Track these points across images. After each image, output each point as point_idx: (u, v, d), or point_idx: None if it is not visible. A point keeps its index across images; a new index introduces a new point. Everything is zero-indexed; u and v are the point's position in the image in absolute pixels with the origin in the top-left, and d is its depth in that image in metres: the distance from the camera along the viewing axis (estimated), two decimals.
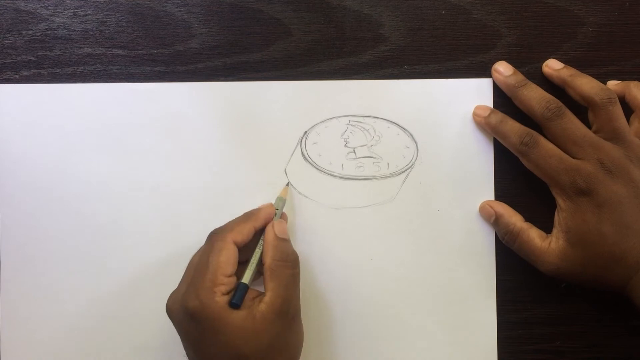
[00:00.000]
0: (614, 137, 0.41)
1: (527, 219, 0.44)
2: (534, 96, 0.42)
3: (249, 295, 0.38)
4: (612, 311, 0.45)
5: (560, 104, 0.41)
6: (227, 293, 0.37)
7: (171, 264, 0.45)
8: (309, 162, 0.45)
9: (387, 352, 0.45)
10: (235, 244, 0.39)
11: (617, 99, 0.41)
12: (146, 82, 0.45)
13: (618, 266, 0.40)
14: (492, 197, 0.45)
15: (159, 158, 0.45)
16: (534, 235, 0.43)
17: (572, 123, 0.41)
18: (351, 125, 0.45)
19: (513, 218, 0.44)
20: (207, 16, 0.45)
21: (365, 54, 0.45)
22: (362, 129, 0.45)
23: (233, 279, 0.38)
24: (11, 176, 0.45)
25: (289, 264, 0.40)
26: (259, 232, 0.41)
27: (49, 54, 0.45)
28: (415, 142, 0.45)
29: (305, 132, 0.45)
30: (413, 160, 0.45)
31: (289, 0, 0.45)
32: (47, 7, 0.45)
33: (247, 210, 0.42)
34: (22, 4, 0.45)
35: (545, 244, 0.42)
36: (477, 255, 0.45)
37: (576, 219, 0.40)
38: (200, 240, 0.45)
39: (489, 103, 0.45)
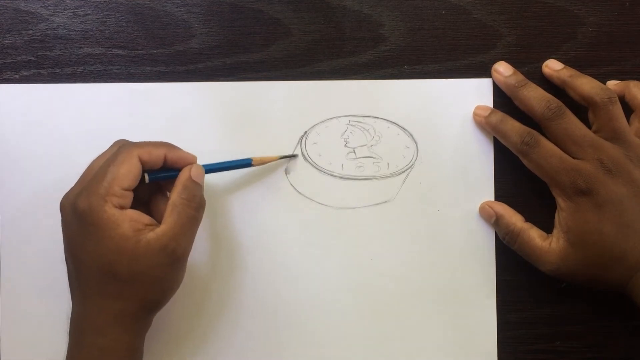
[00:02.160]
0: (614, 136, 0.41)
1: (527, 219, 0.44)
2: (534, 96, 0.42)
3: (143, 220, 0.38)
4: (612, 311, 0.45)
5: (561, 103, 0.41)
6: (119, 207, 0.37)
7: None
8: (309, 162, 0.45)
9: (387, 352, 0.45)
10: (141, 160, 0.38)
11: (617, 98, 0.41)
12: (146, 82, 0.45)
13: (618, 266, 0.40)
14: (492, 197, 0.45)
15: None
16: (534, 235, 0.43)
17: (572, 123, 0.41)
18: (351, 125, 0.45)
19: (513, 218, 0.44)
20: (207, 16, 0.45)
21: (365, 54, 0.45)
22: (362, 129, 0.45)
23: (128, 194, 0.38)
24: (11, 176, 0.45)
25: (193, 204, 0.39)
26: (169, 167, 0.40)
27: (49, 54, 0.45)
28: (415, 142, 0.45)
29: (305, 132, 0.45)
30: (413, 160, 0.45)
31: (289, 0, 0.45)
32: (47, 7, 0.45)
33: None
34: (22, 4, 0.45)
35: (545, 244, 0.42)
36: (477, 255, 0.45)
37: (576, 219, 0.40)
38: (200, 239, 0.45)
39: (489, 103, 0.45)
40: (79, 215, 0.37)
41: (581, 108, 0.42)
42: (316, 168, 0.45)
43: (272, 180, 0.45)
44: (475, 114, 0.45)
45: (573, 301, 0.45)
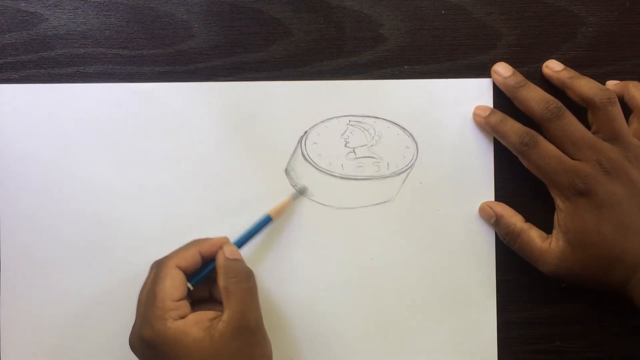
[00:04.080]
0: (613, 137, 0.41)
1: (527, 219, 0.44)
2: (534, 96, 0.42)
3: (208, 316, 0.38)
4: (612, 311, 0.45)
5: (560, 104, 0.41)
6: (180, 318, 0.38)
7: None
8: (309, 162, 0.45)
9: (387, 352, 0.45)
10: (180, 268, 0.39)
11: (616, 99, 0.41)
12: (146, 82, 0.45)
13: (618, 266, 0.40)
14: (492, 197, 0.45)
15: (158, 158, 0.45)
16: (534, 235, 0.43)
17: (571, 124, 0.41)
18: (351, 125, 0.45)
19: (513, 219, 0.44)
20: (207, 16, 0.45)
21: (365, 54, 0.45)
22: (362, 129, 0.45)
23: (184, 303, 0.38)
24: (11, 176, 0.45)
25: (242, 278, 0.40)
26: (207, 260, 0.41)
27: (49, 54, 0.45)
28: (415, 142, 0.45)
29: (305, 132, 0.45)
30: (413, 160, 0.45)
31: (289, 0, 0.45)
32: (47, 7, 0.45)
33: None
34: (22, 4, 0.45)
35: (545, 244, 0.42)
36: (477, 255, 0.45)
37: (575, 220, 0.40)
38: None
39: (489, 103, 0.45)
40: (149, 344, 0.37)
41: (581, 109, 0.42)
42: (316, 168, 0.45)
43: (272, 180, 0.45)
44: (475, 114, 0.45)
45: (573, 301, 0.45)
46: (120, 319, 0.45)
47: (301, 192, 0.45)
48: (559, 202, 0.41)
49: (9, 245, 0.45)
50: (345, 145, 0.45)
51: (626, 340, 0.45)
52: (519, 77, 0.43)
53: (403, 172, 0.45)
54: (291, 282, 0.45)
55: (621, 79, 0.44)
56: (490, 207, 0.44)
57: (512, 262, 0.45)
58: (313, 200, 0.45)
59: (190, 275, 0.40)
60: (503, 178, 0.45)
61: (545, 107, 0.41)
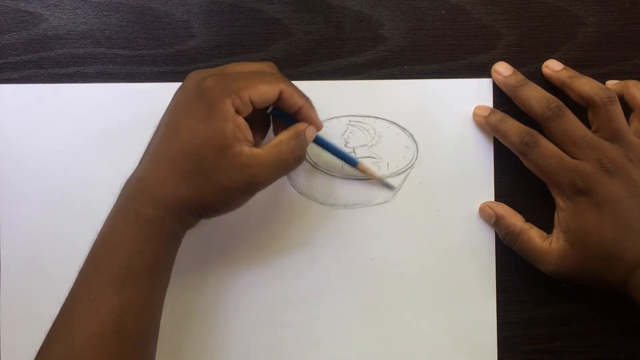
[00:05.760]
0: (614, 136, 0.41)
1: (527, 219, 0.44)
2: (534, 96, 0.42)
3: (248, 134, 0.38)
4: (612, 311, 0.45)
5: (561, 103, 0.41)
6: (237, 111, 0.37)
7: None
8: (309, 162, 0.45)
9: (387, 352, 0.45)
10: (281, 94, 0.38)
11: (617, 98, 0.41)
12: (146, 82, 0.45)
13: (618, 265, 0.40)
14: (492, 197, 0.45)
15: None
16: (534, 235, 0.43)
17: (571, 123, 0.41)
18: (351, 125, 0.45)
19: (513, 219, 0.44)
20: (207, 16, 0.45)
21: (365, 54, 0.45)
22: (362, 129, 0.45)
23: (249, 108, 0.38)
24: (11, 176, 0.45)
25: (296, 152, 0.39)
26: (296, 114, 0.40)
27: (49, 54, 0.45)
28: (415, 142, 0.45)
29: None
30: (413, 160, 0.45)
31: (289, 0, 0.45)
32: (47, 7, 0.45)
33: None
34: (22, 4, 0.45)
35: (545, 244, 0.42)
36: (477, 255, 0.45)
37: (575, 219, 0.40)
38: (201, 239, 0.45)
39: (489, 103, 0.45)
40: (201, 90, 0.37)
41: (581, 109, 0.42)
42: (316, 168, 0.45)
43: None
44: (475, 114, 0.45)
45: (573, 301, 0.45)
46: None
47: (389, 186, 0.45)
48: (560, 202, 0.41)
49: (9, 245, 0.45)
50: (345, 145, 0.45)
51: (626, 340, 0.45)
52: (520, 77, 0.43)
53: (403, 172, 0.45)
54: (290, 281, 0.45)
55: (621, 79, 0.44)
56: (490, 208, 0.44)
57: (512, 262, 0.45)
58: (313, 200, 0.45)
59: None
60: (503, 178, 0.45)
61: (546, 106, 0.41)
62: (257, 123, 0.41)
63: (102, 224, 0.38)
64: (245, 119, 0.38)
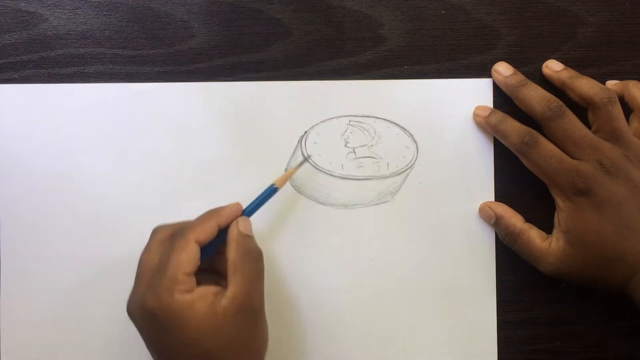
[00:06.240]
0: (614, 137, 0.41)
1: (527, 219, 0.44)
2: (535, 95, 0.42)
3: (212, 290, 0.38)
4: (612, 311, 0.45)
5: (561, 103, 0.41)
6: (187, 292, 0.37)
7: None
8: (309, 162, 0.45)
9: (387, 352, 0.45)
10: (197, 242, 0.38)
11: (617, 99, 0.41)
12: (146, 82, 0.45)
13: (618, 266, 0.40)
14: (492, 197, 0.45)
15: (158, 158, 0.45)
16: (534, 236, 0.43)
17: (572, 123, 0.41)
18: (351, 125, 0.45)
19: (513, 219, 0.44)
20: (207, 16, 0.45)
21: (365, 54, 0.45)
22: (362, 129, 0.45)
23: (193, 279, 0.38)
24: (11, 176, 0.45)
25: (253, 258, 0.39)
26: (223, 231, 0.40)
27: (49, 54, 0.45)
28: (415, 142, 0.45)
29: (305, 132, 0.45)
30: (413, 160, 0.45)
31: (289, 0, 0.45)
32: (47, 7, 0.45)
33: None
34: (22, 4, 0.45)
35: (545, 244, 0.42)
36: (477, 255, 0.45)
37: (575, 220, 0.40)
38: None
39: (489, 103, 0.45)
40: (152, 314, 0.36)
41: (581, 109, 0.42)
42: (316, 168, 0.45)
43: (272, 180, 0.45)
44: (475, 115, 0.45)
45: (573, 301, 0.45)
46: (120, 319, 0.45)
47: (305, 159, 0.44)
48: (560, 202, 0.41)
49: (9, 244, 0.45)
50: (345, 145, 0.45)
51: (626, 340, 0.45)
52: (520, 77, 0.43)
53: (403, 172, 0.45)
54: (291, 282, 0.45)
55: (621, 79, 0.44)
56: (490, 208, 0.44)
57: (512, 262, 0.45)
58: (313, 200, 0.45)
59: (203, 247, 0.39)
60: (503, 178, 0.45)
61: (547, 105, 0.41)
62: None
63: None
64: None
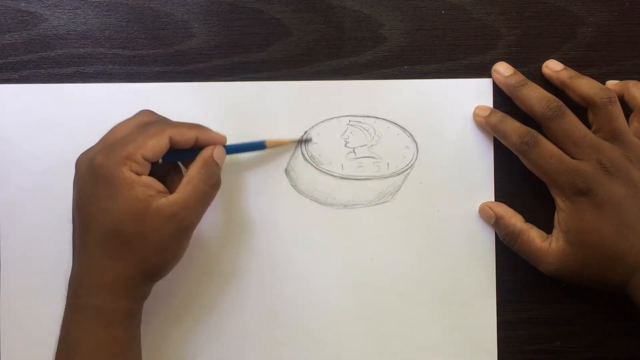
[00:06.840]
0: (614, 137, 0.41)
1: (527, 219, 0.44)
2: (535, 95, 0.42)
3: (157, 187, 0.38)
4: (612, 311, 0.45)
5: (561, 103, 0.41)
6: (136, 173, 0.37)
7: None
8: (309, 162, 0.45)
9: (387, 352, 0.45)
10: (172, 141, 0.39)
11: (617, 98, 0.41)
12: (146, 82, 0.45)
13: (618, 266, 0.40)
14: (492, 197, 0.45)
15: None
16: (534, 236, 0.43)
17: (572, 123, 0.41)
18: (351, 125, 0.45)
19: (513, 219, 0.44)
20: (207, 16, 0.45)
21: (365, 54, 0.45)
22: (362, 129, 0.45)
23: (147, 165, 0.38)
24: (11, 176, 0.45)
25: (210, 181, 0.39)
26: (195, 146, 0.40)
27: (48, 54, 0.45)
28: (415, 142, 0.45)
29: (306, 132, 0.45)
30: (413, 160, 0.45)
31: (289, 0, 0.45)
32: (47, 7, 0.45)
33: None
34: (22, 4, 0.45)
35: (545, 244, 0.42)
36: (477, 255, 0.45)
37: (575, 219, 0.40)
38: (200, 239, 0.45)
39: (489, 103, 0.45)
40: (95, 170, 0.37)
41: (581, 109, 0.42)
42: (316, 168, 0.45)
43: (272, 180, 0.45)
44: (475, 115, 0.45)
45: (573, 301, 0.45)
46: None
47: (306, 140, 0.45)
48: (560, 202, 0.41)
49: (9, 245, 0.45)
50: (345, 145, 0.45)
51: (626, 340, 0.45)
52: (520, 77, 0.43)
53: (403, 172, 0.45)
54: (291, 282, 0.45)
55: (621, 79, 0.44)
56: (490, 208, 0.44)
57: (512, 262, 0.45)
58: (313, 200, 0.45)
59: (172, 149, 0.40)
60: (503, 178, 0.45)
61: (547, 105, 0.41)
62: (166, 168, 0.41)
63: (59, 332, 0.39)
64: (153, 172, 0.39)
